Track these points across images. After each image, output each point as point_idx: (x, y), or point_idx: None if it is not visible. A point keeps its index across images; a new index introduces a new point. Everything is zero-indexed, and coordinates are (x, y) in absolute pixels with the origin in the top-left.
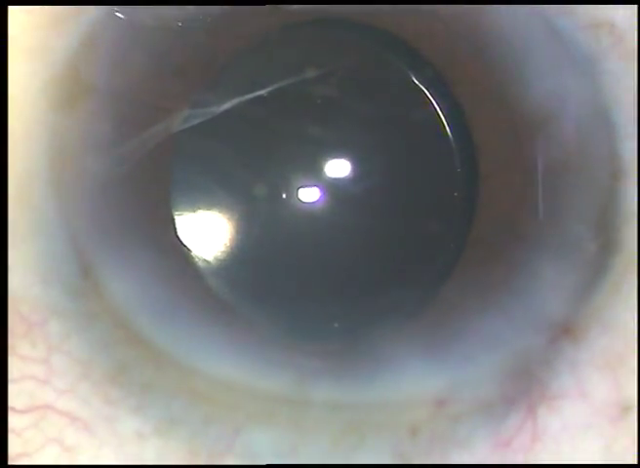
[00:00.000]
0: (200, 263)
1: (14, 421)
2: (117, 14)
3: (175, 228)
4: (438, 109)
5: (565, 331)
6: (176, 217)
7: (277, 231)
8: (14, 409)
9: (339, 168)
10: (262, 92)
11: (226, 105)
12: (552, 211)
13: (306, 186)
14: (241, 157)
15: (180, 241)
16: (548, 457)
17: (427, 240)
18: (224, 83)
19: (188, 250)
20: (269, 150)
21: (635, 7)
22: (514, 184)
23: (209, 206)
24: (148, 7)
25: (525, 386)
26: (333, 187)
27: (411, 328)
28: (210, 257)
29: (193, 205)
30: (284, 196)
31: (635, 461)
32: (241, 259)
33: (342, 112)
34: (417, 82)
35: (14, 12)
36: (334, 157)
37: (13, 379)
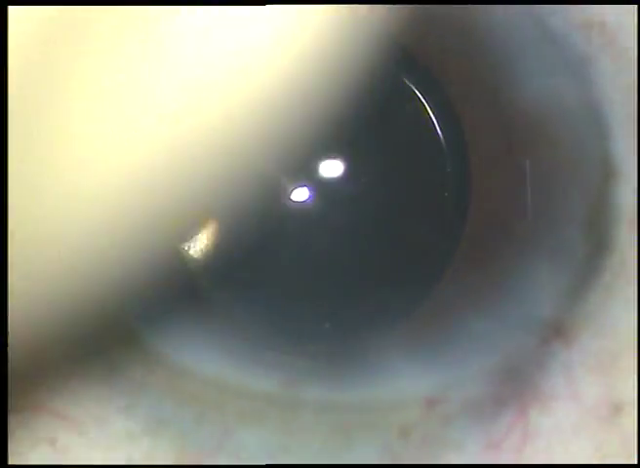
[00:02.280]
0: (190, 264)
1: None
2: None
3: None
4: (429, 109)
5: (557, 332)
6: None
7: (267, 231)
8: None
9: (329, 168)
10: None
11: None
12: (544, 211)
13: (296, 186)
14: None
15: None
16: (540, 458)
17: (418, 240)
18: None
19: (178, 250)
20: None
21: (628, 7)
22: (505, 185)
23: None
24: None
25: (516, 387)
26: (323, 187)
27: (401, 328)
28: (199, 258)
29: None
30: (274, 195)
31: (627, 462)
32: (231, 260)
33: (331, 112)
34: (407, 82)
35: None
36: (323, 157)
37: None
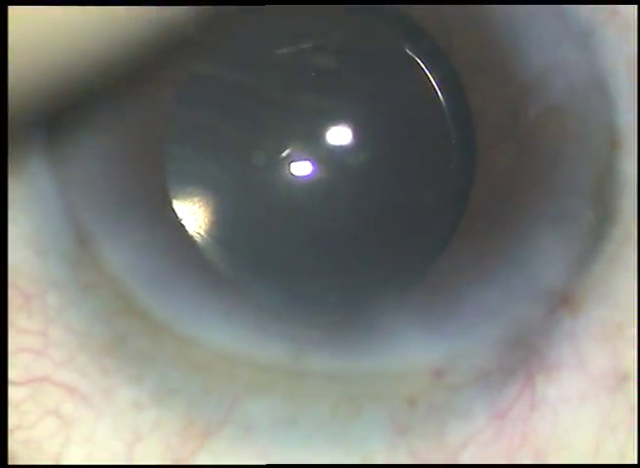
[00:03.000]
0: (197, 235)
1: (11, 394)
2: None
3: (170, 200)
4: (434, 80)
5: (563, 302)
6: (171, 189)
7: (273, 203)
8: (11, 381)
9: (334, 139)
10: (258, 62)
11: (220, 76)
12: (550, 181)
13: (302, 157)
14: (235, 129)
15: (176, 212)
16: (546, 427)
17: (424, 211)
18: (219, 54)
19: (184, 221)
20: (263, 122)
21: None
22: (511, 155)
23: (203, 177)
24: None
25: (523, 356)
26: (329, 158)
27: (408, 298)
28: (206, 229)
29: (188, 176)
30: (280, 167)
31: (633, 430)
32: (237, 231)
33: (338, 83)
34: (412, 52)
35: None
36: (329, 128)
37: (10, 351)
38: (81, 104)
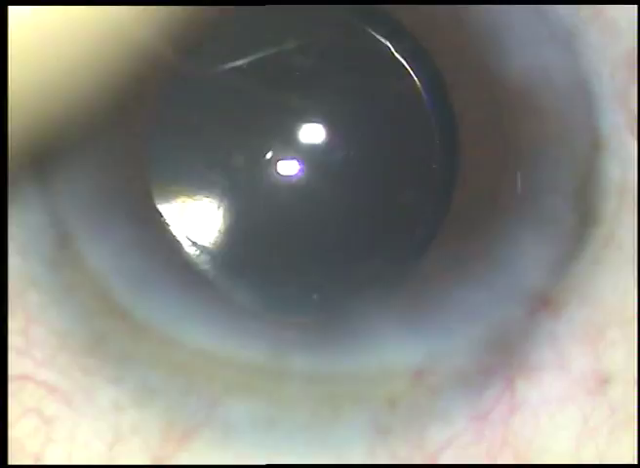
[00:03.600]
0: (178, 235)
1: None
2: None
3: (153, 200)
4: (417, 80)
5: (544, 303)
6: (154, 190)
7: (255, 203)
8: None
9: (317, 139)
10: (242, 62)
11: (204, 77)
12: (532, 182)
13: (284, 157)
14: (219, 128)
15: (159, 213)
16: (526, 429)
17: (406, 211)
18: (203, 54)
19: (167, 222)
20: (247, 122)
21: None
22: (494, 156)
23: (187, 178)
24: None
25: (504, 358)
26: (311, 158)
27: (389, 299)
28: (187, 229)
29: (172, 177)
30: (262, 167)
31: (612, 433)
32: (219, 231)
33: (321, 83)
34: (396, 52)
35: None
36: (313, 128)
37: None
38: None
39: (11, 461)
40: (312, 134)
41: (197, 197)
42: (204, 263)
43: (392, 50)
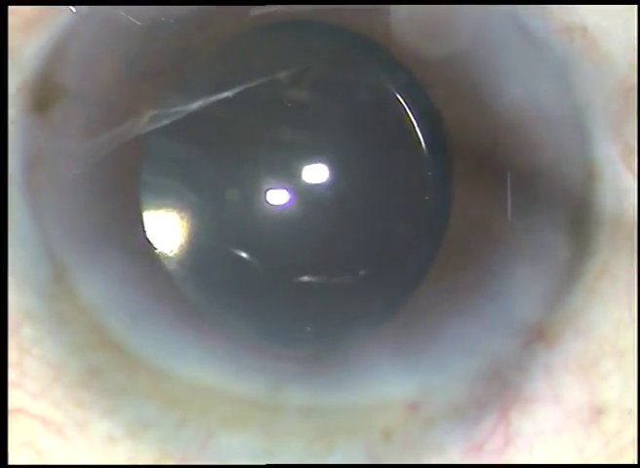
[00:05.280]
0: (171, 267)
1: None
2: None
3: (145, 231)
4: (410, 112)
5: (539, 335)
6: (145, 220)
7: (248, 234)
8: None
9: (309, 170)
10: (232, 93)
11: (195, 107)
12: (526, 214)
13: (277, 188)
14: (210, 159)
15: (151, 243)
16: (521, 461)
17: (400, 243)
18: (193, 84)
19: (159, 253)
20: (239, 152)
21: (610, 11)
22: (487, 188)
23: (178, 208)
24: (118, 7)
25: (498, 390)
26: (303, 189)
27: (383, 331)
28: (181, 260)
29: (163, 207)
30: (254, 198)
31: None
32: (212, 263)
33: (313, 115)
34: (389, 85)
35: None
36: (304, 159)
37: None
38: (57, 136)
39: None
40: (304, 166)
41: (190, 229)
42: (198, 295)
43: (385, 82)
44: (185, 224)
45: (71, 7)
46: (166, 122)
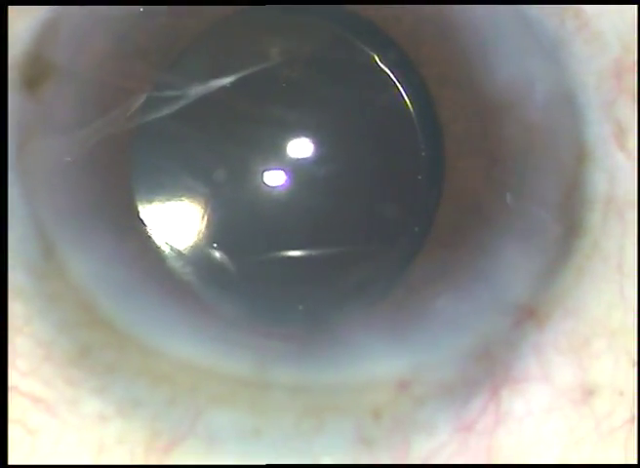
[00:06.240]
0: (162, 246)
1: None
2: None
3: (137, 211)
4: (403, 92)
5: (529, 314)
6: (138, 200)
7: (239, 214)
8: None
9: (303, 151)
10: (226, 74)
11: (189, 87)
12: (517, 193)
13: (270, 169)
14: (203, 140)
15: (143, 223)
16: (511, 441)
17: (392, 223)
18: (187, 65)
19: (150, 232)
20: (232, 133)
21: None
22: (479, 167)
23: (171, 188)
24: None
25: (488, 369)
26: (296, 170)
27: (374, 310)
28: (171, 240)
29: (155, 187)
30: (246, 178)
31: (599, 444)
32: (202, 241)
33: (307, 95)
34: (382, 64)
35: None
36: (298, 140)
37: None
38: (48, 114)
39: None
40: (297, 145)
41: (181, 207)
42: (188, 274)
43: (378, 61)
44: (176, 203)
45: None
46: (158, 102)
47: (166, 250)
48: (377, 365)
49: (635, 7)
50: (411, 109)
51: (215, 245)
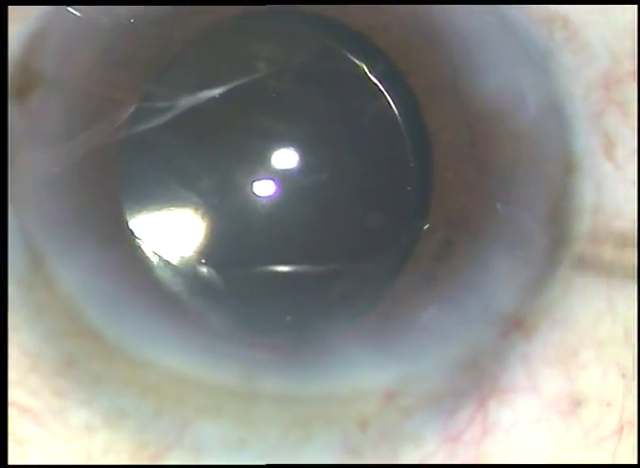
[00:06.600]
0: (150, 257)
1: None
2: (70, 9)
3: (125, 221)
4: (391, 101)
5: (516, 325)
6: (126, 211)
7: (227, 224)
8: None
9: (291, 161)
10: (214, 84)
11: (177, 98)
12: (505, 204)
13: (258, 179)
14: (192, 150)
15: (131, 234)
16: (499, 451)
17: (379, 233)
18: (175, 76)
19: (138, 242)
20: (221, 144)
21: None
22: (467, 178)
23: (159, 199)
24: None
25: (476, 380)
26: (285, 180)
27: (362, 321)
28: (159, 251)
29: (143, 197)
30: (235, 189)
31: (586, 455)
32: (190, 252)
33: (296, 105)
34: (370, 74)
35: None
36: (286, 150)
37: None
38: (36, 124)
39: None
40: (286, 155)
41: (169, 218)
42: (176, 284)
43: (366, 71)
44: (165, 214)
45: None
46: (146, 113)
47: (154, 260)
48: (364, 375)
49: (623, 17)
50: (399, 119)
51: (203, 256)
